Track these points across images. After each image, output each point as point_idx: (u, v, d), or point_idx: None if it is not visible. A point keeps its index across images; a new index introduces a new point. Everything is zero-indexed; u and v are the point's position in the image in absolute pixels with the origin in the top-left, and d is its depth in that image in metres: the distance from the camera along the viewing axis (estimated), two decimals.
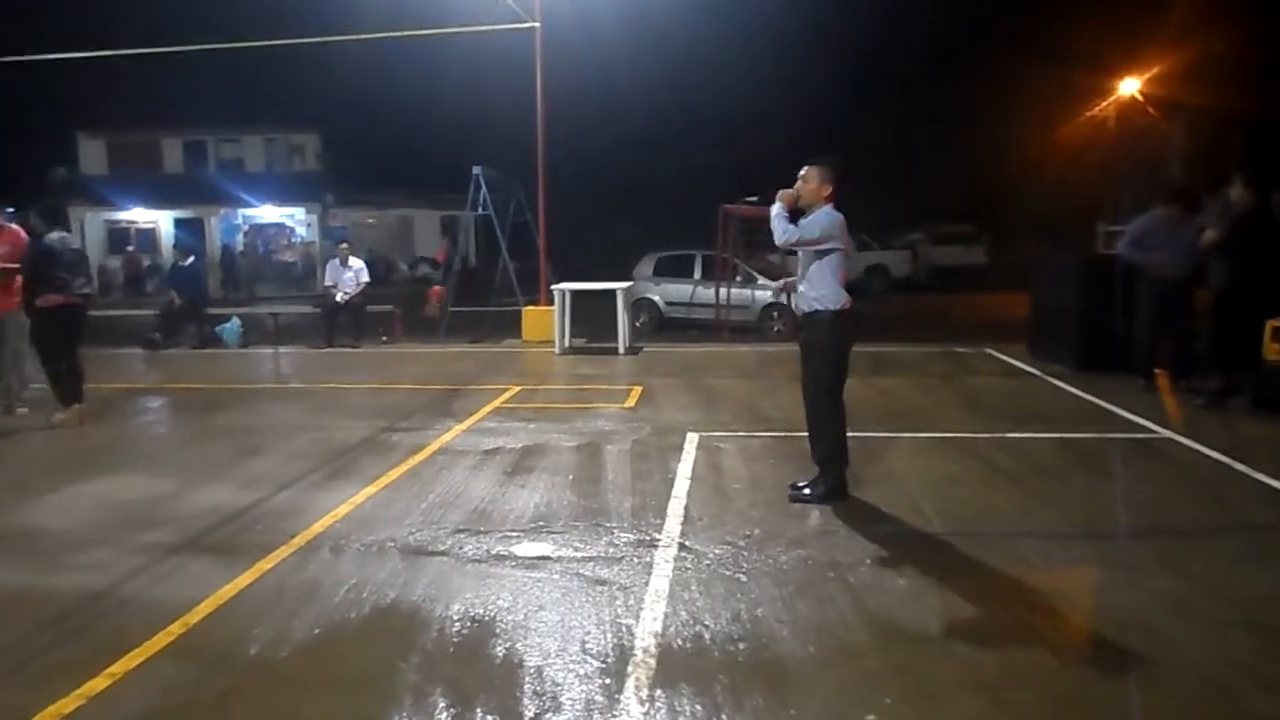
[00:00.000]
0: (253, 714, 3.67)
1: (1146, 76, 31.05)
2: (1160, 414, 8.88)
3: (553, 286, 15.07)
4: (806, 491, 6.30)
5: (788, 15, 46.65)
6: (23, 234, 9.73)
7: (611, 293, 14.75)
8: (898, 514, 6.00)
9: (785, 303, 16.78)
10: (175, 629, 4.36)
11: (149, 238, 39.31)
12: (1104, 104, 34.15)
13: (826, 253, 6.15)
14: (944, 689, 3.75)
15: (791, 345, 13.79)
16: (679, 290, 19.13)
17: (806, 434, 6.45)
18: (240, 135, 39.94)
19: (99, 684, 3.83)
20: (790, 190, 6.18)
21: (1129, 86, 32.10)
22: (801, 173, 6.22)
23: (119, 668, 3.97)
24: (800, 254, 6.31)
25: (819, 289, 6.17)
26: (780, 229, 6.09)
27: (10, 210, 10.06)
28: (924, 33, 46.50)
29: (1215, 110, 24.87)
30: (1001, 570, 5.02)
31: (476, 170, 17.74)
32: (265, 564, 5.22)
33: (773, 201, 6.18)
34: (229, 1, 28.13)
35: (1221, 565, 5.03)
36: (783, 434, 8.33)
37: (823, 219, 6.11)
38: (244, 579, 4.99)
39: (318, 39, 19.40)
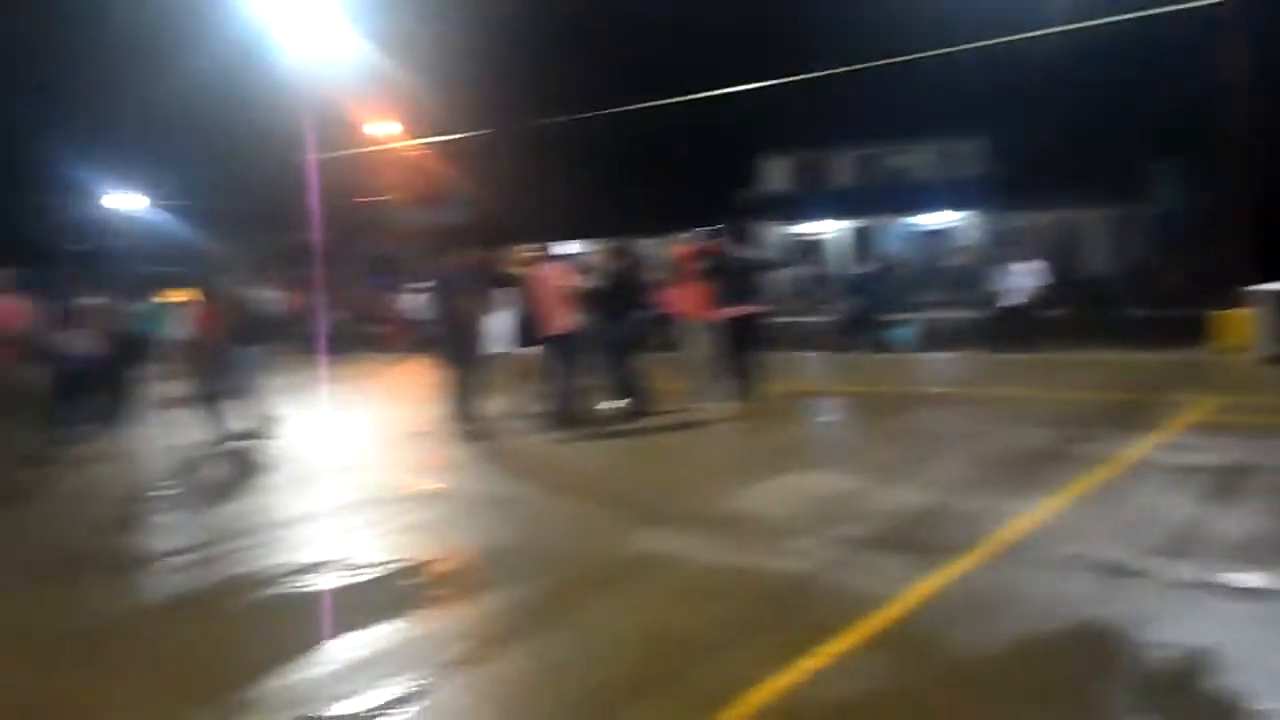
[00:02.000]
0: (956, 714, 3.76)
1: None
2: None
3: (1250, 288, 13.50)
4: None
5: None
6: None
7: None
8: None
9: None
10: (877, 620, 4.60)
11: (823, 248, 41.93)
12: None
13: None
14: None
15: None
16: None
17: None
18: (908, 145, 41.10)
19: (813, 663, 4.16)
20: None
21: None
22: None
23: (830, 649, 4.28)
24: None
25: None
26: None
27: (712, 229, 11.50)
28: None
29: None
30: None
31: (1156, 166, 16.48)
32: (956, 568, 5.30)
33: None
34: (880, 21, 29.11)
35: None
36: None
37: None
38: (937, 579, 5.12)
39: (985, 42, 19.34)
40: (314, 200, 26.70)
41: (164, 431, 11.13)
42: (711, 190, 37.00)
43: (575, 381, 10.70)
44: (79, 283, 12.38)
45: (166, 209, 39.95)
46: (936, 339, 17.69)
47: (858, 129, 39.15)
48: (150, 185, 39.85)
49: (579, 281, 11.07)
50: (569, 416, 10.53)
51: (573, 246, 37.72)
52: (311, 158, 26.40)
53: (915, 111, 37.41)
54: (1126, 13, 17.08)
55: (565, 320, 10.48)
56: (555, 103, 27.36)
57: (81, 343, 10.97)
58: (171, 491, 8.68)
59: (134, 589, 5.83)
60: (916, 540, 5.87)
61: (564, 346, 10.50)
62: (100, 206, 40.85)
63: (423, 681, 4.22)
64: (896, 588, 4.99)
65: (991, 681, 3.99)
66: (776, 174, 43.61)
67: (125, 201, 40.57)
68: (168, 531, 7.20)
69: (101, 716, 4.14)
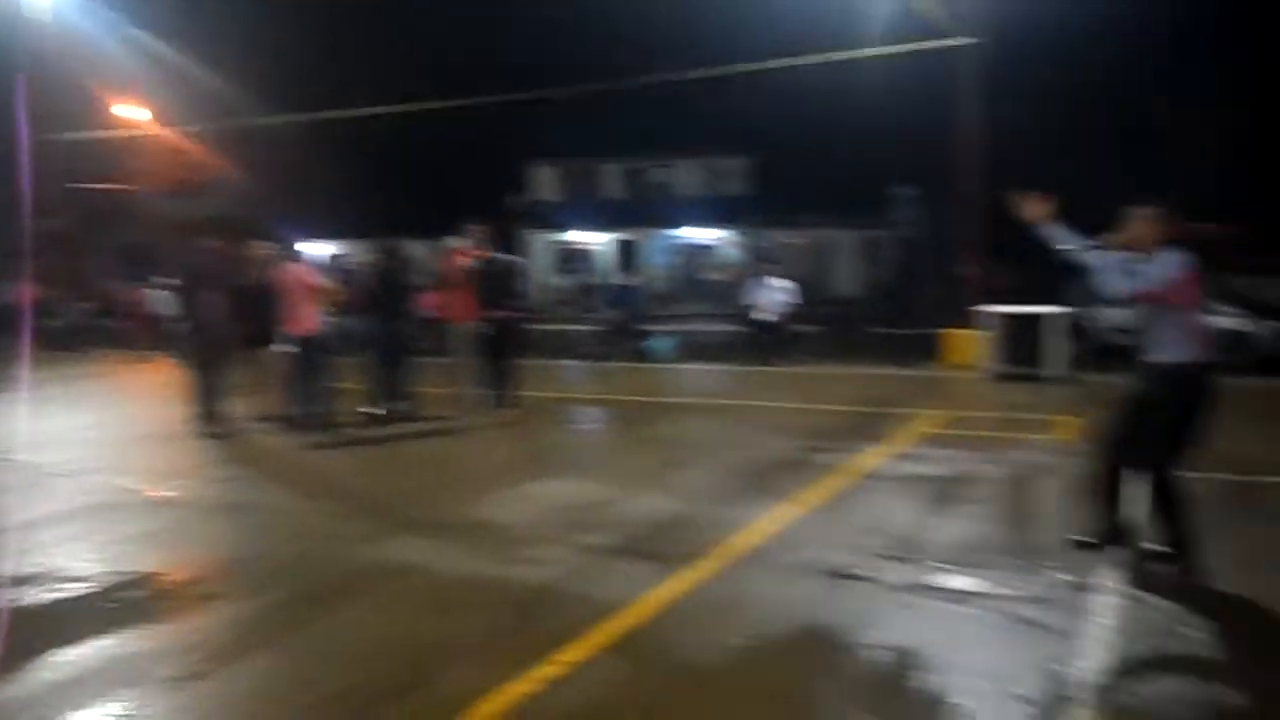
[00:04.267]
0: (685, 716, 3.83)
1: None
2: None
3: (980, 309, 14.56)
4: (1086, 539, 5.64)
5: None
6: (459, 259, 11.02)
7: (1043, 317, 13.96)
8: None
9: (1242, 329, 15.15)
10: (615, 627, 4.64)
11: (590, 259, 42.40)
12: None
13: (1172, 307, 5.25)
14: None
15: (1260, 379, 12.52)
16: (1123, 315, 17.69)
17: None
18: (673, 160, 42.14)
19: (550, 670, 4.15)
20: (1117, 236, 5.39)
21: None
22: (1124, 216, 5.40)
23: (566, 657, 4.28)
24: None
25: (1173, 337, 5.27)
26: (1115, 283, 5.26)
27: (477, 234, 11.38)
28: None
29: None
30: None
31: (898, 191, 17.59)
32: (694, 574, 5.42)
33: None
34: (655, 39, 29.86)
35: None
36: (1246, 477, 7.45)
37: (1164, 266, 5.20)
38: (675, 585, 5.22)
39: (743, 67, 20.10)
40: (50, 184, 24.76)
41: None
42: (481, 195, 36.71)
43: (323, 384, 10.35)
44: None
45: None
46: (695, 351, 18.18)
47: (626, 142, 39.84)
48: None
49: (328, 280, 10.74)
50: (318, 420, 10.17)
51: (336, 245, 36.77)
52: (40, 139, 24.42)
53: (682, 128, 38.43)
54: (885, 45, 18.14)
55: (312, 320, 10.13)
56: (328, 97, 26.44)
57: None
58: None
59: None
60: (659, 548, 5.98)
61: (311, 347, 10.14)
62: None
63: (133, 701, 3.95)
64: (637, 594, 5.06)
65: (721, 683, 4.11)
66: (546, 182, 43.84)
67: None
68: None
69: None
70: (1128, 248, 5.36)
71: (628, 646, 4.46)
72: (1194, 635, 4.49)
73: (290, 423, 10.26)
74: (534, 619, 4.82)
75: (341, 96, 26.18)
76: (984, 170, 16.61)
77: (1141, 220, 5.33)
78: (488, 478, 8.06)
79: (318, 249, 34.69)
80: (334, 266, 23.81)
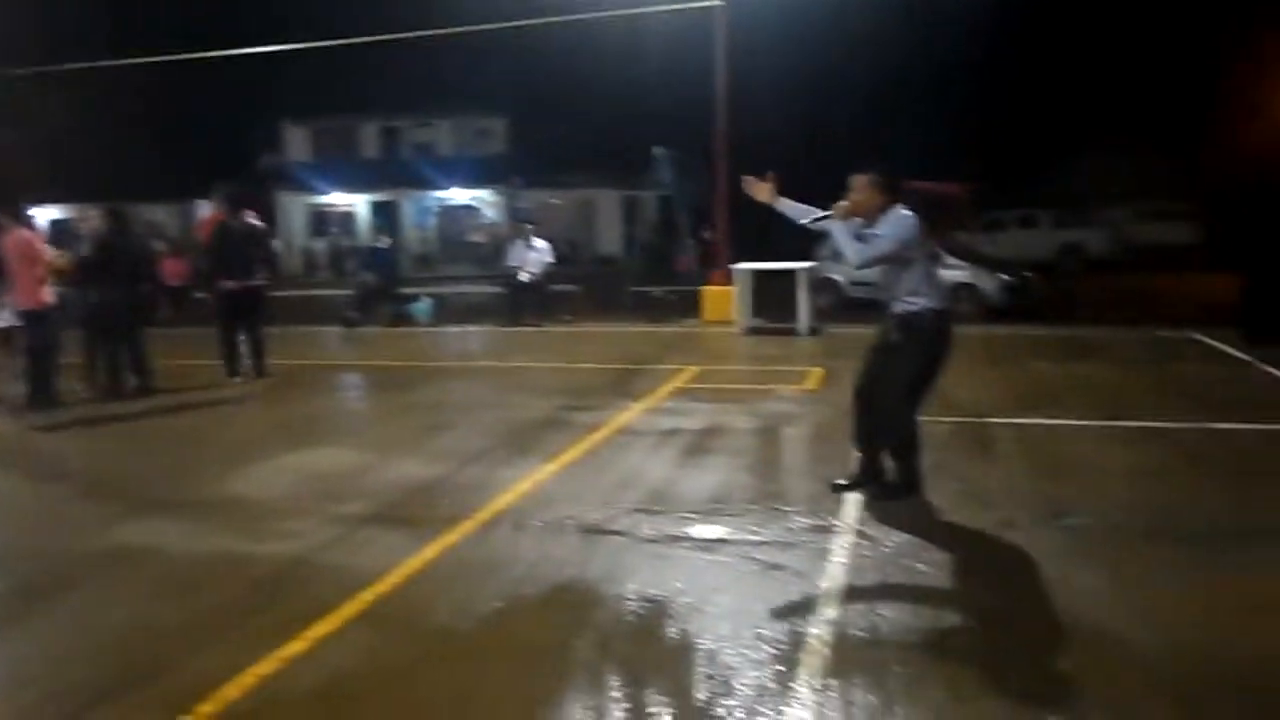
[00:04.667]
0: (437, 680, 3.81)
1: None
2: None
3: (733, 267, 15.04)
4: (845, 482, 6.00)
5: None
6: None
7: (793, 273, 14.56)
8: (1087, 506, 5.72)
9: (971, 281, 16.32)
10: (367, 596, 4.55)
11: (349, 221, 41.14)
12: None
13: (909, 262, 5.60)
14: (1137, 699, 3.56)
15: (983, 327, 13.55)
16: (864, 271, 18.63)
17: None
18: (432, 120, 41.33)
19: (296, 647, 4.04)
20: (845, 204, 5.63)
21: None
22: (850, 182, 5.62)
23: (314, 632, 4.17)
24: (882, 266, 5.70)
25: (912, 289, 5.59)
26: (851, 250, 5.57)
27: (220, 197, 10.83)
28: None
29: None
30: (1198, 568, 4.73)
31: (656, 151, 17.89)
32: (448, 538, 5.39)
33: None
34: None
35: None
36: (967, 419, 8.04)
37: (894, 228, 5.52)
38: (429, 551, 5.17)
39: (499, 25, 19.85)
40: None
41: None
42: (231, 156, 34.92)
43: (54, 360, 9.61)
44: None
45: None
46: (457, 313, 17.97)
47: (384, 101, 38.75)
48: None
49: (56, 250, 9.95)
50: (49, 399, 9.45)
51: (67, 210, 34.07)
52: None
53: (442, 87, 37.69)
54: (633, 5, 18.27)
55: (39, 293, 9.36)
56: (61, 45, 24.28)
57: None
58: None
59: None
60: (416, 513, 5.90)
61: (38, 321, 9.38)
62: None
63: None
64: (392, 563, 4.98)
65: (472, 645, 4.10)
66: (300, 142, 42.10)
67: None
68: None
69: None
70: (855, 214, 5.65)
71: (378, 616, 4.38)
72: (922, 568, 4.82)
73: (16, 403, 9.50)
74: (283, 595, 4.66)
75: (76, 45, 24.19)
76: (731, 131, 17.06)
77: (863, 187, 5.61)
78: (236, 452, 7.71)
79: (45, 214, 32.09)
80: (60, 232, 22.09)
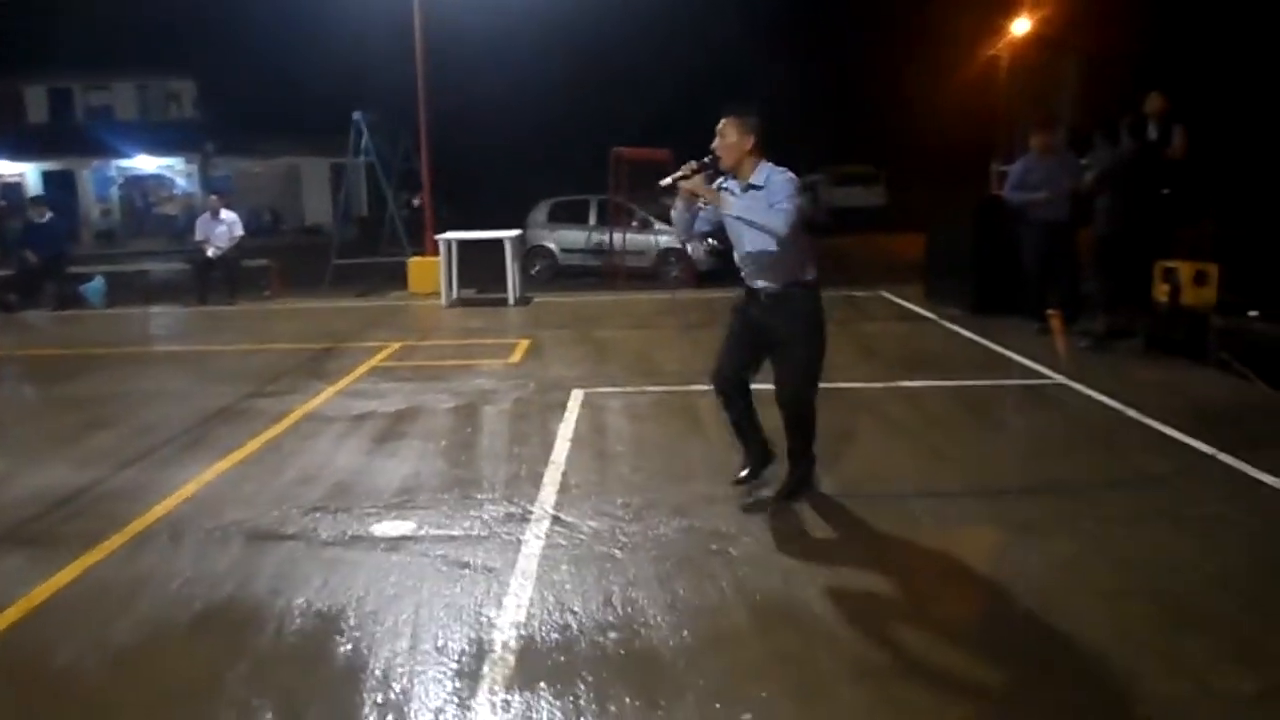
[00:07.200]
0: None
1: (1040, 16, 31.06)
2: (1053, 358, 8.72)
3: (438, 236, 14.46)
4: (766, 493, 5.32)
5: None
6: None
7: (501, 241, 14.15)
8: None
9: (683, 248, 16.44)
10: None
11: (13, 192, 37.17)
12: (999, 44, 34.15)
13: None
14: (826, 680, 3.43)
15: (690, 293, 13.63)
16: (574, 237, 18.53)
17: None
18: (110, 83, 37.89)
19: None
20: (693, 164, 4.95)
21: (1022, 26, 32.12)
22: (719, 127, 4.94)
23: None
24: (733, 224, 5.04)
25: (803, 261, 5.04)
26: (775, 221, 4.73)
27: None
28: None
29: (1107, 50, 24.91)
30: (893, 535, 4.74)
31: (357, 115, 17.02)
32: (90, 557, 4.68)
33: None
34: None
35: (1114, 526, 4.81)
36: (674, 388, 7.95)
37: (780, 184, 4.82)
38: (63, 576, 4.46)
39: None
40: None
41: None
42: None
43: None
44: None
45: None
46: (138, 293, 16.39)
47: (52, 62, 35.13)
48: None
49: None
50: None
51: None
52: None
53: (119, 46, 34.59)
54: None
55: None
56: None
57: None
58: None
59: None
60: (51, 531, 5.13)
61: None
62: None
63: None
64: (10, 596, 4.24)
65: (100, 692, 3.50)
66: None
67: None
68: None
69: None
70: (725, 164, 5.00)
71: None
72: (618, 554, 4.57)
73: None
74: None
75: None
76: (430, 100, 16.42)
77: (733, 131, 4.90)
78: None
79: None
80: None
